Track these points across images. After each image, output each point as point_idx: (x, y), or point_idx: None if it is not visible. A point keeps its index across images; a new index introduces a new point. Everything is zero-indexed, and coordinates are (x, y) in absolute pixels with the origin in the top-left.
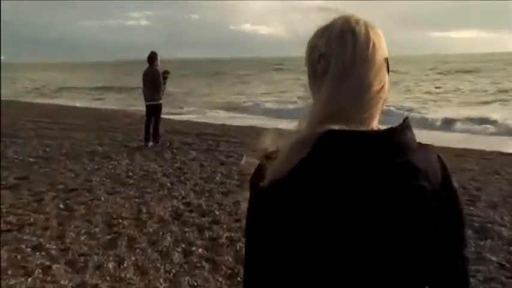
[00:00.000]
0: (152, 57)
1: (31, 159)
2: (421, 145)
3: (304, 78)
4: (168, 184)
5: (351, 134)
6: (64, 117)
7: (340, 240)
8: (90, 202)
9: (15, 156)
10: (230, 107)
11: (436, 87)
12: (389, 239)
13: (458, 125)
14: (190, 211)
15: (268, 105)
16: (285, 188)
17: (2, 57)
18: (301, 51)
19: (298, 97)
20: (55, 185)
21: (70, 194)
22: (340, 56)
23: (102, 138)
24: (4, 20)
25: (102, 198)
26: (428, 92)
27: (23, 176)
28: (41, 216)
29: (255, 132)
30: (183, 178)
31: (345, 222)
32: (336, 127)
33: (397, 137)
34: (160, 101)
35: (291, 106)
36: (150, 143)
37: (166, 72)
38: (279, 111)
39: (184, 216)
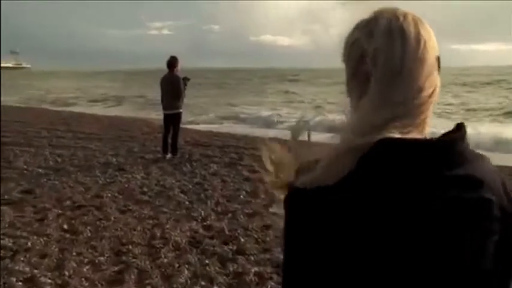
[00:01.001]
0: (172, 63)
1: (40, 171)
2: (477, 154)
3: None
4: (187, 202)
5: (406, 143)
6: (80, 126)
7: (392, 261)
8: (98, 223)
9: (25, 167)
10: (248, 117)
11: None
12: (450, 258)
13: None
14: (211, 237)
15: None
16: (330, 200)
17: (28, 66)
18: (321, 62)
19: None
20: (62, 201)
21: (77, 211)
22: (388, 57)
23: (118, 149)
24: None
25: (112, 218)
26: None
27: (29, 190)
28: (41, 239)
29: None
30: (203, 196)
31: (399, 240)
32: (392, 135)
33: (456, 146)
34: (181, 110)
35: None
36: (168, 155)
37: (186, 79)
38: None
39: (204, 243)
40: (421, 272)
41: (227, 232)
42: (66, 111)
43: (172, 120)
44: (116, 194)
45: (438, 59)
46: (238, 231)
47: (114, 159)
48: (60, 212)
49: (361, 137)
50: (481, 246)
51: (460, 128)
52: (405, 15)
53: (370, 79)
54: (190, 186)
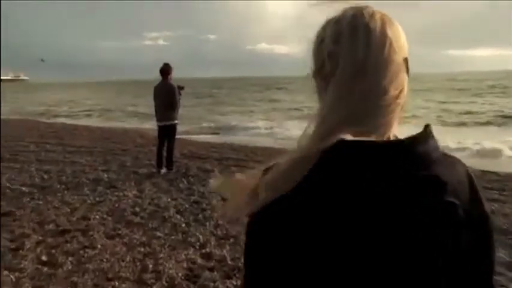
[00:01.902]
0: (165, 70)
1: (24, 189)
2: (446, 156)
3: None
4: (183, 225)
5: (364, 145)
6: (71, 138)
7: (351, 266)
8: (81, 252)
9: (8, 185)
10: (244, 127)
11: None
12: (410, 263)
13: None
14: (211, 269)
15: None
16: (285, 209)
17: (26, 78)
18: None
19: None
20: (44, 224)
21: (59, 238)
22: (350, 55)
23: (110, 163)
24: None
25: (99, 246)
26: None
27: (9, 212)
28: (11, 275)
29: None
30: (201, 216)
31: (359, 245)
32: (346, 137)
33: (418, 147)
34: (176, 121)
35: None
36: (163, 170)
37: (180, 88)
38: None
39: (203, 277)
40: (378, 277)
41: (229, 261)
42: (58, 123)
43: (167, 133)
44: (105, 216)
45: (406, 60)
46: (242, 260)
47: (105, 175)
48: (40, 238)
49: (318, 141)
50: (444, 252)
51: (424, 129)
52: (372, 14)
53: (332, 80)
54: (187, 206)
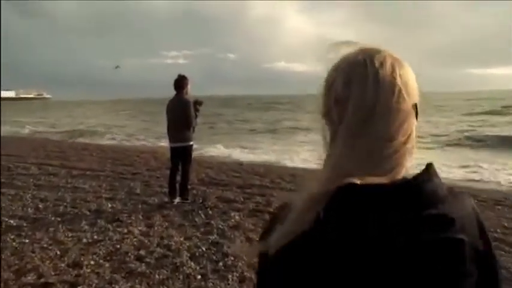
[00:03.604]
0: (180, 83)
1: (12, 222)
2: (452, 191)
3: None
4: (198, 276)
5: (371, 187)
6: (78, 160)
7: None
8: None
9: None
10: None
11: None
12: None
13: None
14: None
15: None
16: (297, 254)
17: (49, 96)
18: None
19: None
20: (23, 275)
21: None
22: (358, 103)
23: (116, 190)
24: (50, 64)
25: None
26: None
27: None
28: None
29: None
30: (221, 265)
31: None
32: (354, 180)
33: (424, 186)
34: (191, 142)
35: None
36: (177, 199)
37: (198, 103)
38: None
39: None
40: None
41: None
42: (68, 142)
43: (181, 156)
44: (102, 261)
45: (416, 106)
46: None
47: (109, 205)
48: None
49: (326, 183)
50: None
51: (427, 168)
52: (382, 61)
53: (340, 126)
54: (204, 249)
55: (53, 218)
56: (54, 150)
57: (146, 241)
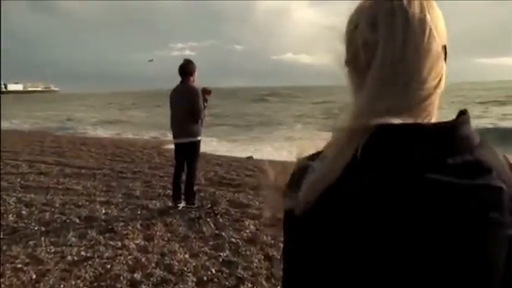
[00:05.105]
0: (187, 68)
1: None
2: (483, 141)
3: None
4: None
5: (406, 129)
6: (75, 155)
7: (397, 260)
8: None
9: None
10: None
11: None
12: (459, 254)
13: None
14: None
15: None
16: (335, 198)
17: (56, 89)
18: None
19: None
20: None
21: None
22: (388, 44)
23: (113, 192)
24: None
25: None
26: None
27: None
28: None
29: None
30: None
31: (403, 237)
32: (390, 121)
33: (459, 131)
34: (199, 138)
35: None
36: (181, 204)
37: (206, 92)
38: None
39: None
40: (428, 270)
41: None
42: (67, 136)
43: (186, 153)
44: (87, 286)
45: (445, 47)
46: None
47: (103, 211)
48: None
49: (358, 123)
50: (491, 239)
51: (463, 113)
52: None
53: (370, 69)
54: (214, 270)
55: (36, 228)
56: (51, 146)
57: (143, 259)
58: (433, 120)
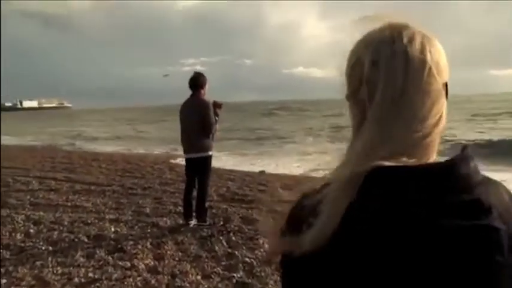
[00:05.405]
0: (198, 81)
1: None
2: (486, 178)
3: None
4: None
5: (404, 169)
6: (86, 172)
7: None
8: None
9: None
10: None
11: None
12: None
13: None
14: None
15: None
16: (339, 245)
17: (69, 105)
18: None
19: None
20: None
21: None
22: (388, 85)
23: (122, 209)
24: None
25: None
26: None
27: None
28: None
29: None
30: None
31: (399, 277)
32: (385, 163)
33: (459, 169)
34: (210, 153)
35: None
36: (193, 221)
37: (217, 106)
38: None
39: None
40: None
41: None
42: (79, 152)
43: (197, 168)
44: None
45: (446, 85)
46: None
47: (112, 229)
48: None
49: (355, 167)
50: (489, 281)
51: (463, 150)
52: (411, 38)
53: (370, 105)
54: None
55: (43, 247)
56: (62, 162)
57: (153, 281)
58: (434, 156)
